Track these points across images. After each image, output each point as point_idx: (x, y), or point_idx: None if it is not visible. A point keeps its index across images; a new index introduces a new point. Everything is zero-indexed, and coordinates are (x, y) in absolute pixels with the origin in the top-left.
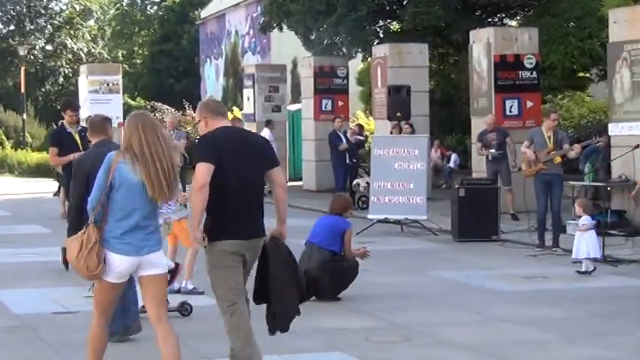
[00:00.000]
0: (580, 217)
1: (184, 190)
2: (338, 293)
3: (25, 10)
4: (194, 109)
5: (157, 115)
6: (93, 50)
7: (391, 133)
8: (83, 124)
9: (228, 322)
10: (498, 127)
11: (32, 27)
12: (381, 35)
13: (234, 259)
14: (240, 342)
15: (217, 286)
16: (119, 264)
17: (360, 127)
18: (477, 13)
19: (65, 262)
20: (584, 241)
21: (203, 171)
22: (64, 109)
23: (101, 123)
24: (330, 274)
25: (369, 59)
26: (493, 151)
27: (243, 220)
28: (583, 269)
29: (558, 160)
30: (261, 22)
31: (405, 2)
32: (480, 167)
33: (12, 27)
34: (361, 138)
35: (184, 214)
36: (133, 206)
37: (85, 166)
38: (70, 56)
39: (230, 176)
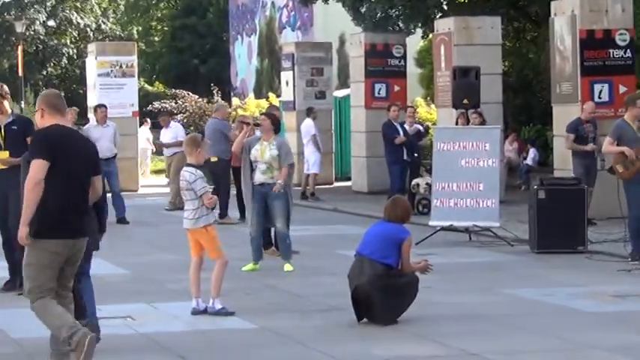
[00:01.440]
0: None
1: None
2: (395, 315)
3: None
4: (223, 95)
5: (178, 102)
6: (103, 26)
7: (456, 123)
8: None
9: (34, 308)
10: (592, 118)
11: None
12: (445, 7)
13: (54, 260)
14: (53, 320)
15: (28, 280)
16: None
17: (411, 110)
18: None
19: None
20: None
21: (38, 167)
22: None
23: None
24: (385, 292)
25: (431, 36)
26: (593, 145)
27: (70, 219)
28: None
29: None
30: None
31: None
32: (564, 164)
33: None
34: (420, 128)
35: (212, 220)
36: None
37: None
38: (75, 33)
39: (61, 175)
